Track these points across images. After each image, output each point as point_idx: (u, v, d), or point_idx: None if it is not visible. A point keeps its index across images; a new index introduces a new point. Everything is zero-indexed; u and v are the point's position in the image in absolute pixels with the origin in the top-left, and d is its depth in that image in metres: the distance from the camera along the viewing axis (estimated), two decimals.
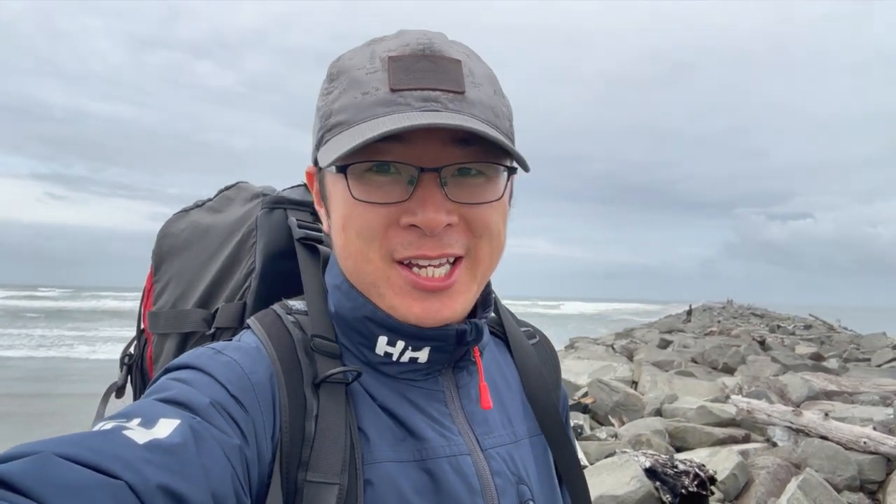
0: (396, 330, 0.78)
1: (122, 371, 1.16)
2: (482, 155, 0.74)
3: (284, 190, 1.04)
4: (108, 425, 0.59)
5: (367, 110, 0.72)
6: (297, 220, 0.96)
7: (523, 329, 1.01)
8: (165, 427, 0.60)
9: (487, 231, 0.77)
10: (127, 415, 0.62)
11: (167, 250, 1.13)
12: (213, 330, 0.98)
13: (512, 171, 0.77)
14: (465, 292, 0.78)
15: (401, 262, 0.75)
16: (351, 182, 0.73)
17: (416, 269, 0.75)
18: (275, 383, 0.74)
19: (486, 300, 0.88)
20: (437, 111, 0.71)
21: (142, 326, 1.15)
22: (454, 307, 0.77)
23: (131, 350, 1.17)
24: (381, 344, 0.80)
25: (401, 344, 0.79)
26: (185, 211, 1.16)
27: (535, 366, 0.95)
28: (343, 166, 0.72)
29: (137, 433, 0.58)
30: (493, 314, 0.99)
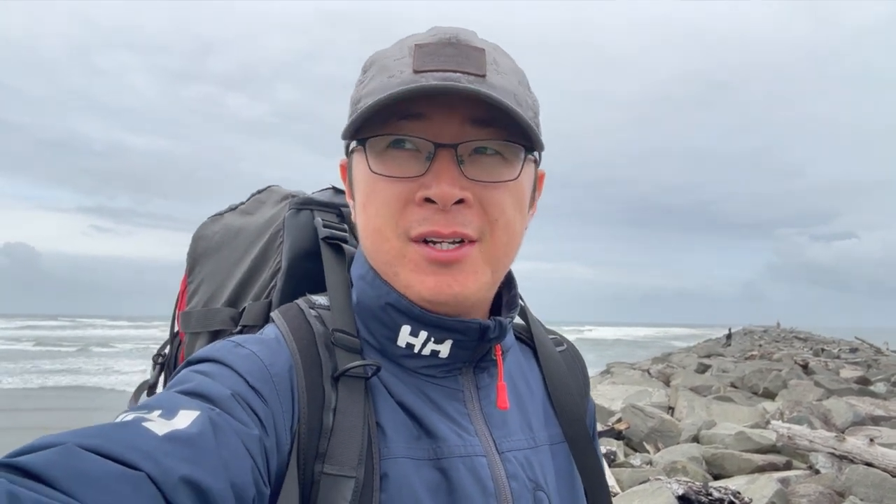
0: (420, 319, 0.79)
1: (154, 370, 1.19)
2: (500, 136, 0.75)
3: (314, 193, 1.07)
4: (129, 417, 0.60)
5: (390, 90, 0.73)
6: (323, 220, 0.98)
7: (551, 337, 1.01)
8: (185, 418, 0.60)
9: (502, 215, 0.77)
10: (148, 406, 0.62)
11: (201, 252, 1.16)
12: (239, 328, 0.99)
13: (529, 151, 0.78)
14: (478, 272, 0.77)
15: (416, 241, 0.76)
16: (370, 156, 0.76)
17: (430, 244, 0.76)
18: (293, 375, 0.75)
19: (513, 301, 0.88)
20: (456, 83, 0.72)
21: (176, 328, 1.18)
22: (465, 283, 0.76)
23: (165, 351, 1.20)
24: (404, 334, 0.80)
25: (423, 334, 0.79)
26: (220, 214, 1.19)
27: (562, 373, 0.95)
28: (363, 140, 0.76)
29: (157, 424, 0.58)
30: (521, 321, 1.00)
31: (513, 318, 0.86)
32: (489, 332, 0.80)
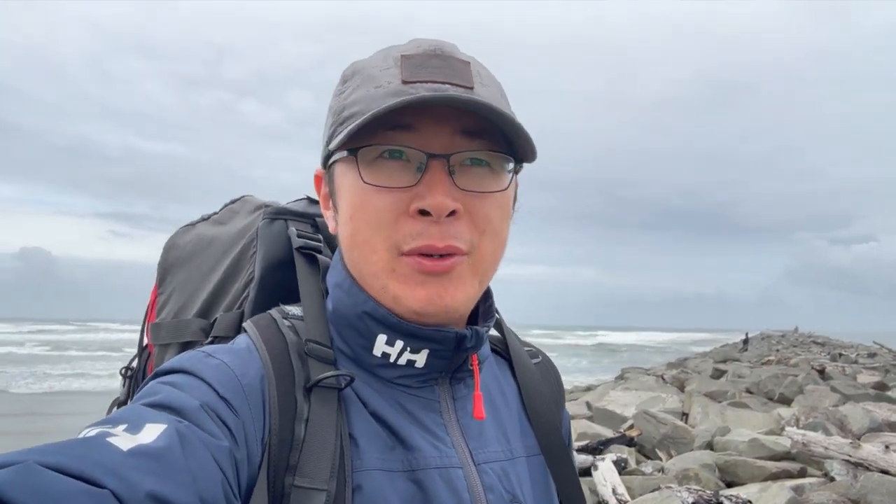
0: (396, 328, 0.78)
1: (123, 385, 1.17)
2: (489, 147, 0.76)
3: (288, 203, 1.06)
4: (93, 432, 0.58)
5: (379, 100, 0.73)
6: (298, 230, 0.98)
7: (526, 349, 1.01)
8: (151, 432, 0.58)
9: (490, 226, 0.77)
10: (112, 421, 0.60)
11: (172, 262, 1.15)
12: (210, 339, 0.98)
13: (517, 163, 0.79)
14: (466, 284, 0.78)
15: (407, 255, 0.75)
16: (361, 167, 0.75)
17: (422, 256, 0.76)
18: (265, 385, 0.74)
19: (489, 312, 0.88)
20: (447, 94, 0.73)
21: (145, 340, 1.16)
22: (454, 294, 0.76)
23: (133, 364, 1.18)
24: (380, 343, 0.79)
25: (399, 344, 0.79)
26: (192, 224, 1.18)
27: (537, 384, 0.95)
28: (354, 150, 0.75)
29: (122, 439, 0.56)
30: (496, 333, 0.99)
31: (489, 327, 0.86)
32: (466, 342, 0.80)
